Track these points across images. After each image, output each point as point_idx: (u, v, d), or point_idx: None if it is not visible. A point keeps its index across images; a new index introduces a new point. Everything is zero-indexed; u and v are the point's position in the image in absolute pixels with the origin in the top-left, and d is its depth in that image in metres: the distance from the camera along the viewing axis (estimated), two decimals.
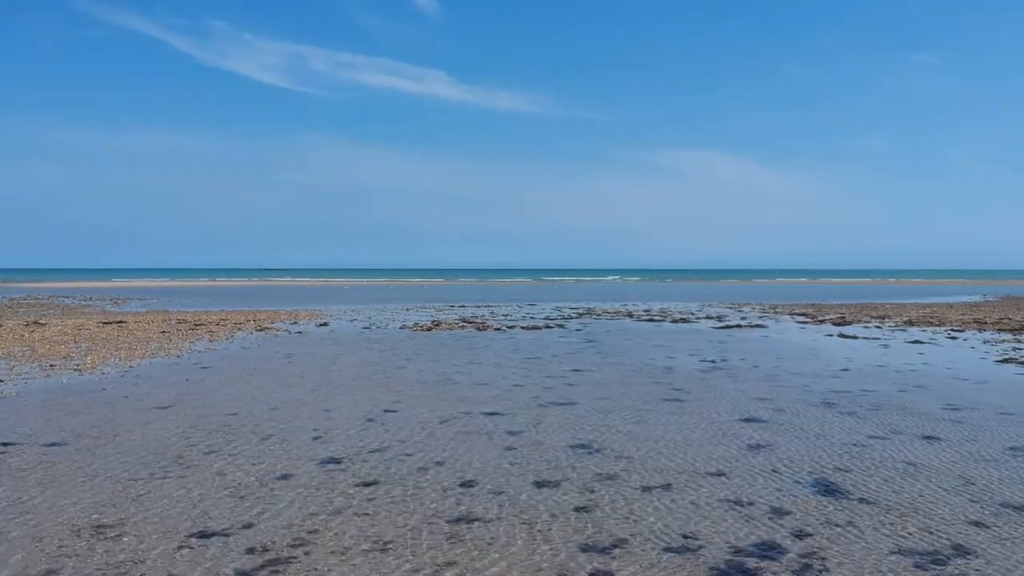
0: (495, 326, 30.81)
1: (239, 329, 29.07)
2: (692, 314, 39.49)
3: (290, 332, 28.04)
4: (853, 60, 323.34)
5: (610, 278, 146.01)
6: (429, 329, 29.44)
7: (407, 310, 43.05)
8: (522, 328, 30.04)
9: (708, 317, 36.90)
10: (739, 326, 31.11)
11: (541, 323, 32.60)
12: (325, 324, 31.85)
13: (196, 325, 30.90)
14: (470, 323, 32.44)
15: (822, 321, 34.02)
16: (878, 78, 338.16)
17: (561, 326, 31.21)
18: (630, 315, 38.59)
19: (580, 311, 41.89)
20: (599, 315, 38.55)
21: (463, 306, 47.48)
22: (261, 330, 28.71)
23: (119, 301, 54.71)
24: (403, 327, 30.43)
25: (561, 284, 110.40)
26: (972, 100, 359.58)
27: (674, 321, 34.23)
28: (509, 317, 36.74)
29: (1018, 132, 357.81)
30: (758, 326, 31.22)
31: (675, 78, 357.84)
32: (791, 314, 39.40)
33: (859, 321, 33.69)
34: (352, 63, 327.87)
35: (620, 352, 21.75)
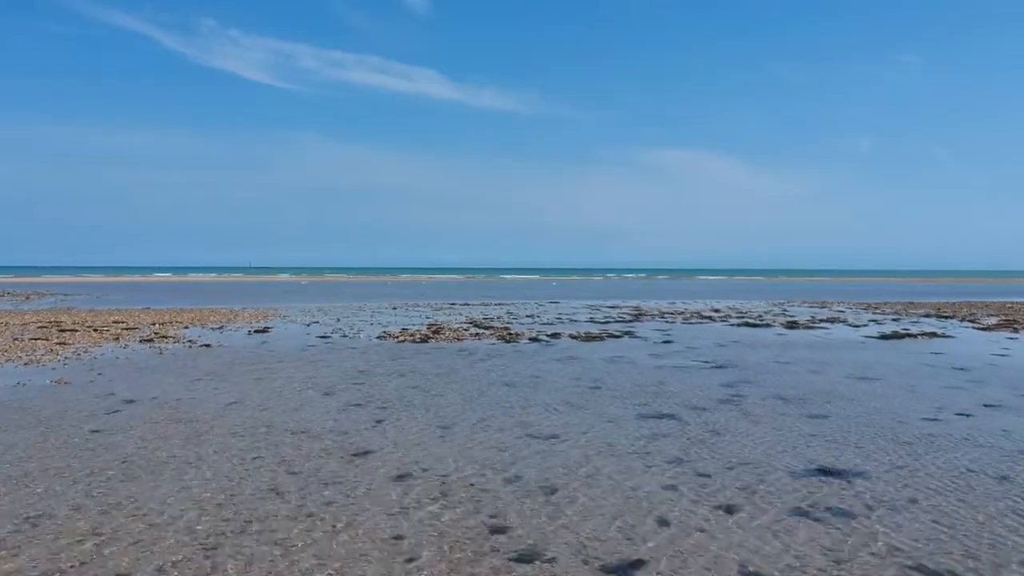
0: (527, 334, 19.62)
1: (118, 339, 17.85)
2: (791, 315, 28.38)
3: (193, 345, 16.79)
4: (839, 60, 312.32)
5: (630, 275, 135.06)
6: (424, 339, 18.24)
7: (394, 308, 31.81)
8: (571, 337, 18.88)
9: (827, 320, 25.76)
10: (907, 334, 20.01)
11: (595, 329, 21.41)
12: (264, 330, 20.58)
13: (63, 330, 19.71)
14: (486, 328, 21.23)
15: (1007, 327, 22.94)
16: (863, 78, 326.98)
17: (629, 333, 20.03)
18: (709, 318, 27.40)
19: (629, 312, 30.72)
20: (662, 317, 27.38)
21: (467, 304, 36.28)
22: (149, 341, 17.45)
23: (32, 297, 43.36)
24: (383, 335, 19.20)
25: (568, 281, 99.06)
26: (956, 100, 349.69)
27: (789, 325, 23.09)
28: (537, 319, 25.55)
29: (1003, 132, 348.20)
30: (934, 334, 20.12)
31: (662, 78, 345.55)
32: (928, 316, 28.36)
33: None
34: (341, 61, 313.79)
35: (838, 399, 10.58)
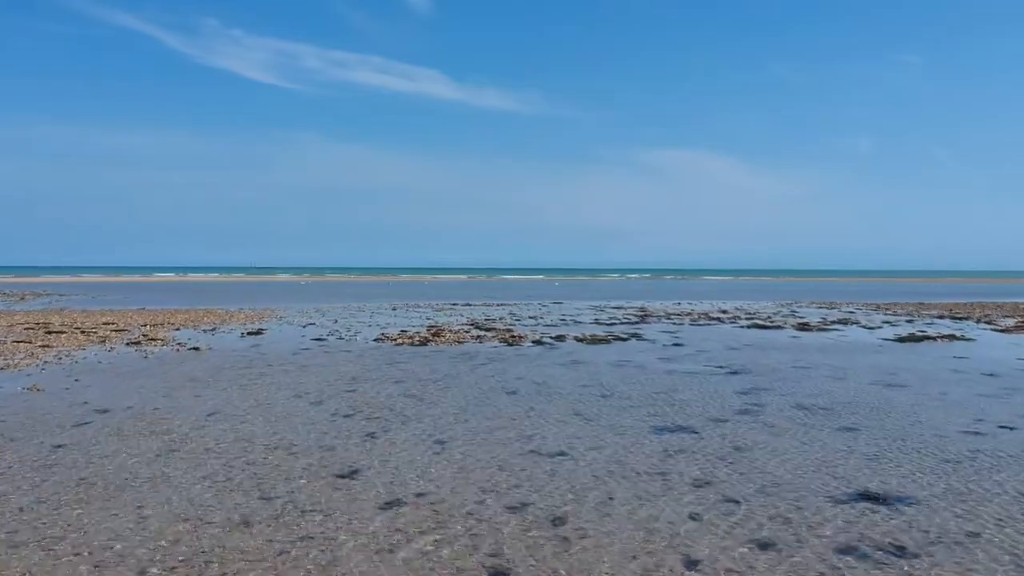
0: (531, 336, 18.89)
1: (104, 341, 17.16)
2: (800, 317, 27.62)
3: (181, 348, 16.08)
4: (839, 60, 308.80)
5: (635, 275, 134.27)
6: (423, 342, 17.52)
7: (394, 309, 31.11)
8: (576, 340, 18.15)
9: (839, 321, 24.99)
10: (925, 336, 19.24)
11: (600, 331, 20.67)
12: (258, 332, 19.87)
13: (50, 332, 19.04)
14: (488, 330, 20.52)
15: None
16: (863, 78, 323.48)
17: (636, 336, 19.30)
18: (717, 319, 26.65)
19: (634, 313, 29.99)
20: (669, 318, 26.63)
21: (468, 304, 35.58)
22: (135, 343, 16.76)
23: (28, 297, 42.73)
24: (380, 338, 18.47)
25: (571, 281, 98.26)
26: (956, 100, 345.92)
27: (800, 327, 22.33)
28: (540, 321, 24.83)
29: (1003, 132, 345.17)
30: (953, 337, 19.35)
31: (662, 78, 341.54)
32: (941, 317, 27.58)
33: None
34: (344, 61, 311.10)
35: (866, 409, 9.83)
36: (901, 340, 18.78)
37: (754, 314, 29.10)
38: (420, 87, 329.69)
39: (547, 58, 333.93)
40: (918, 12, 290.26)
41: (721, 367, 13.54)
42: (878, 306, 35.64)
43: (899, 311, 31.48)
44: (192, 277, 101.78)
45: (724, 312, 30.29)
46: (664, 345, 17.24)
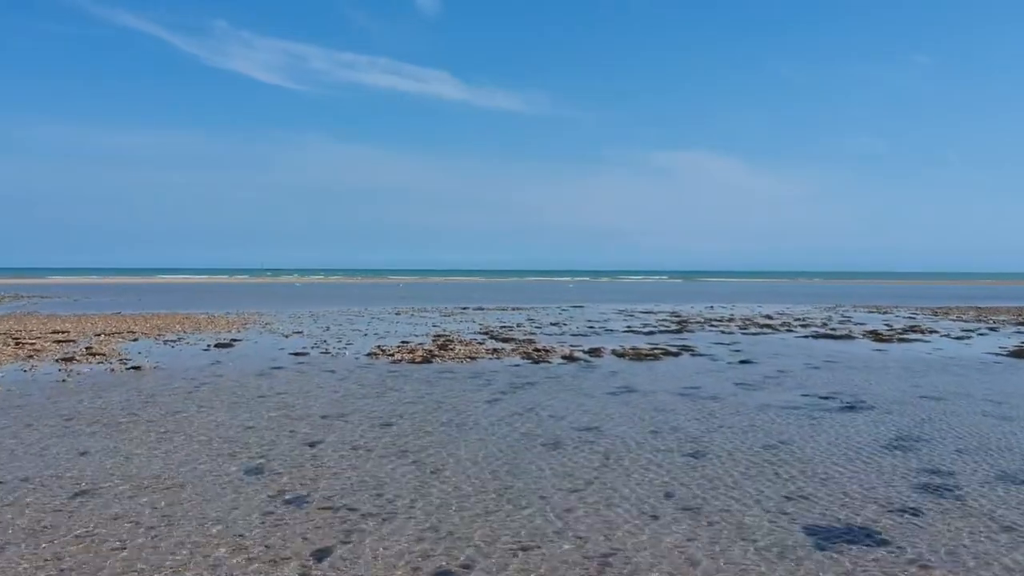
0: (559, 350, 15.43)
1: (32, 356, 13.89)
2: (860, 323, 24.08)
3: (120, 366, 12.72)
4: (839, 60, 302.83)
5: (656, 277, 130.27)
6: (427, 358, 14.07)
7: (397, 314, 27.72)
8: (616, 355, 14.70)
9: (910, 330, 21.43)
10: None
11: (641, 342, 17.18)
12: (228, 344, 16.48)
13: None
14: (505, 341, 17.08)
15: None
16: (864, 78, 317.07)
17: (688, 349, 15.82)
18: (768, 327, 23.13)
19: (668, 318, 26.51)
20: (712, 325, 23.13)
21: (480, 308, 32.15)
22: (68, 360, 13.41)
23: (5, 300, 39.65)
24: (375, 352, 15.05)
25: (585, 283, 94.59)
26: (958, 100, 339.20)
27: (875, 337, 18.80)
28: (565, 328, 21.39)
29: (1005, 132, 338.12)
30: None
31: (662, 78, 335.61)
32: (1021, 323, 23.99)
33: None
34: (352, 63, 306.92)
35: None
36: (1016, 355, 15.25)
37: (804, 320, 25.57)
38: (429, 88, 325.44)
39: (548, 58, 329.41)
40: (918, 12, 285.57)
41: (824, 398, 10.06)
42: (936, 311, 32.02)
43: (966, 316, 27.90)
44: (194, 278, 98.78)
45: (770, 318, 26.75)
46: (729, 363, 13.75)
